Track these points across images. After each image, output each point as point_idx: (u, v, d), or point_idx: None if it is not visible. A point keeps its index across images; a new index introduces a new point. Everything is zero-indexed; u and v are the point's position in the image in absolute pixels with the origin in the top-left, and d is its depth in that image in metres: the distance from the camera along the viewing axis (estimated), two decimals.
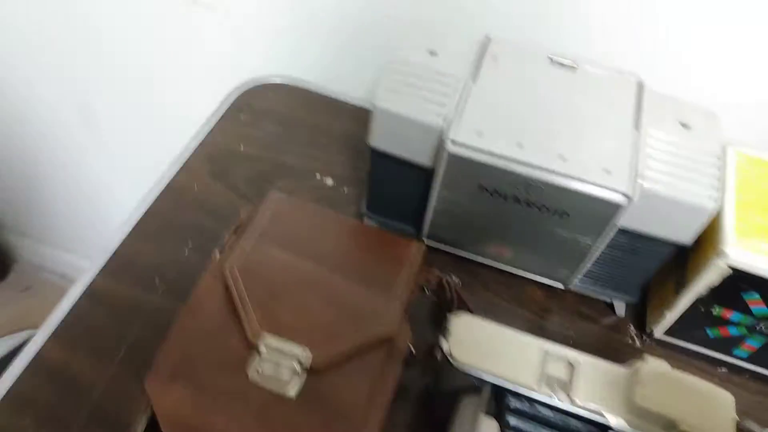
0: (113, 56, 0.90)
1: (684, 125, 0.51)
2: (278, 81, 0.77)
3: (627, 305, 0.61)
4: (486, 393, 0.46)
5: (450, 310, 0.57)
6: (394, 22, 0.71)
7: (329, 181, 0.68)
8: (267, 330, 0.46)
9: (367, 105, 0.77)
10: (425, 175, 0.53)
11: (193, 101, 0.83)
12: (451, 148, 0.48)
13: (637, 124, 0.50)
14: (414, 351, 0.51)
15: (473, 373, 0.46)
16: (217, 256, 0.53)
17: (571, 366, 0.46)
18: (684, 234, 0.50)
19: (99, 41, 0.89)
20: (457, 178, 0.50)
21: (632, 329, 0.61)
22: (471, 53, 0.54)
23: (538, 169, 0.47)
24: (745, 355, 0.56)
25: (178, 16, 0.80)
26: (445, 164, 0.49)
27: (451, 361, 0.46)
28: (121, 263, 0.59)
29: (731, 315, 0.53)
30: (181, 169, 0.66)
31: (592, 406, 0.44)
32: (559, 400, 0.45)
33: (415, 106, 0.50)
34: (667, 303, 0.56)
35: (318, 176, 0.68)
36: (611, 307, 0.62)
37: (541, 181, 0.47)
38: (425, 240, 0.60)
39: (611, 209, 0.47)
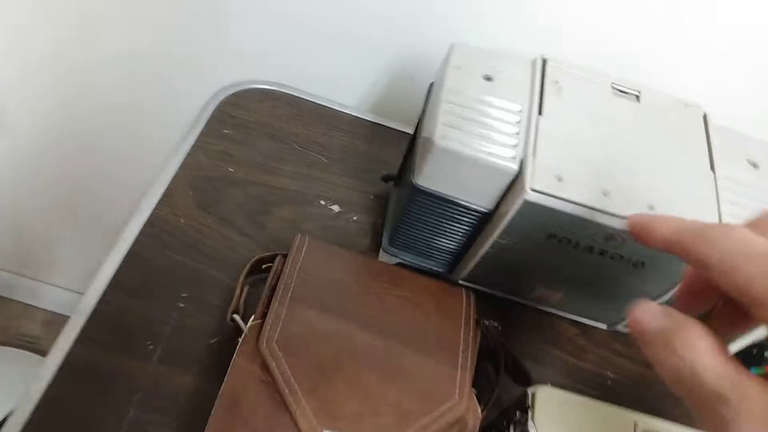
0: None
1: (752, 164, 0.48)
2: (264, 87, 0.66)
3: None
4: None
5: (493, 362, 0.51)
6: (388, 23, 0.63)
7: (335, 208, 0.60)
8: (325, 424, 0.38)
9: (364, 116, 0.68)
10: (478, 217, 0.47)
11: (167, 113, 0.71)
12: (530, 196, 0.41)
13: (712, 164, 0.46)
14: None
15: None
16: (239, 323, 0.44)
17: None
18: None
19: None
20: (526, 226, 0.44)
21: None
22: (529, 79, 0.47)
23: (625, 221, 0.42)
24: None
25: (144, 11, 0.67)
26: (515, 212, 0.43)
27: None
28: (103, 325, 0.47)
29: None
30: (162, 199, 0.55)
31: None
32: None
33: (481, 146, 0.43)
34: None
35: (322, 202, 0.60)
36: None
37: (626, 232, 0.42)
38: (459, 282, 0.54)
39: None
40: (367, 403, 0.39)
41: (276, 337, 0.41)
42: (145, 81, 0.71)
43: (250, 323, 0.41)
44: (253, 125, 0.63)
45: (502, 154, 0.43)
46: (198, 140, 0.60)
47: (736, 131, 0.50)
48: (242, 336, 0.41)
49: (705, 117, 0.49)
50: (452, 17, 0.61)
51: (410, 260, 0.54)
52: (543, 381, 0.54)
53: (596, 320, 0.55)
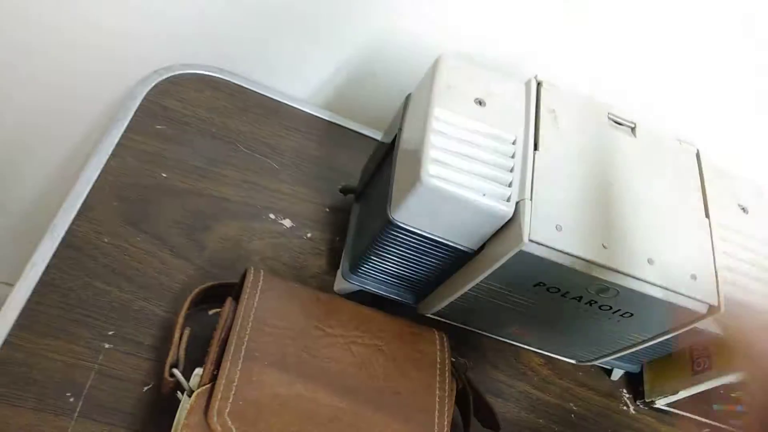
0: None
1: (743, 208, 0.45)
2: (199, 72, 0.57)
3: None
4: None
5: (464, 404, 0.47)
6: (352, 8, 0.55)
7: (287, 223, 0.53)
8: None
9: (319, 113, 0.61)
10: (460, 257, 0.42)
11: (84, 105, 0.59)
12: (528, 246, 0.37)
13: (706, 210, 0.43)
14: None
15: None
16: (180, 380, 0.37)
17: None
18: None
19: None
20: (515, 272, 0.40)
21: (625, 394, 0.57)
22: (523, 105, 0.42)
23: (624, 276, 0.38)
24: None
25: None
26: (508, 259, 0.38)
27: None
28: (11, 376, 0.39)
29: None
30: (81, 213, 0.46)
31: None
32: None
33: (474, 186, 0.37)
34: (678, 380, 0.53)
35: (272, 216, 0.53)
36: (606, 371, 0.57)
37: (622, 287, 0.38)
38: (430, 315, 0.49)
39: (691, 317, 0.41)
40: None
41: (228, 408, 0.34)
42: (56, 68, 0.58)
43: (197, 391, 0.35)
44: (190, 119, 0.54)
45: (496, 195, 0.37)
46: (123, 138, 0.50)
47: (726, 171, 0.47)
48: (187, 406, 0.34)
49: (698, 155, 0.46)
50: (424, 12, 0.55)
51: (375, 289, 0.48)
52: (507, 417, 0.52)
53: (569, 357, 0.52)
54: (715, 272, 0.41)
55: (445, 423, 0.39)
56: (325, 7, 0.55)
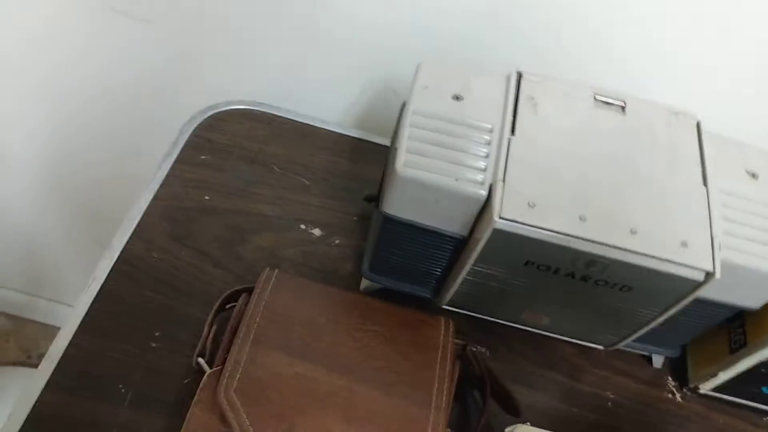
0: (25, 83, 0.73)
1: (751, 174, 0.44)
2: (242, 108, 0.65)
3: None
4: None
5: (480, 389, 0.49)
6: (371, 35, 0.61)
7: (317, 232, 0.58)
8: None
9: (347, 132, 0.66)
10: (454, 243, 0.44)
11: (139, 142, 0.69)
12: (499, 224, 0.39)
13: (704, 177, 0.43)
14: None
15: None
16: (203, 367, 0.42)
17: None
18: (755, 300, 0.44)
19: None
20: (501, 253, 0.41)
21: (671, 382, 0.55)
22: (502, 95, 0.44)
23: (606, 247, 0.39)
24: None
25: (109, 32, 0.65)
26: (487, 239, 0.40)
27: None
28: (73, 370, 0.46)
29: None
30: (134, 234, 0.54)
31: None
32: None
33: (448, 171, 0.40)
34: (718, 362, 0.50)
35: (303, 227, 0.58)
36: (647, 357, 0.55)
37: (608, 258, 0.39)
38: (444, 306, 0.51)
39: (689, 286, 0.40)
40: None
41: (234, 385, 0.39)
42: (123, 113, 0.69)
43: (208, 371, 0.40)
44: (231, 149, 0.61)
45: (470, 180, 0.40)
46: (173, 168, 0.58)
47: (734, 139, 0.46)
48: (200, 385, 0.39)
49: (698, 126, 0.46)
50: (435, 30, 0.58)
51: (393, 285, 0.52)
52: (537, 407, 0.52)
53: (591, 342, 0.52)
54: (711, 238, 0.40)
55: (444, 401, 0.41)
56: (343, 41, 0.61)
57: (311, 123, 0.65)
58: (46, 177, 0.85)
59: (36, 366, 0.46)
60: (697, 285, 0.40)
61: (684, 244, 0.39)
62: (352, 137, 0.65)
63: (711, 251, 0.39)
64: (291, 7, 0.59)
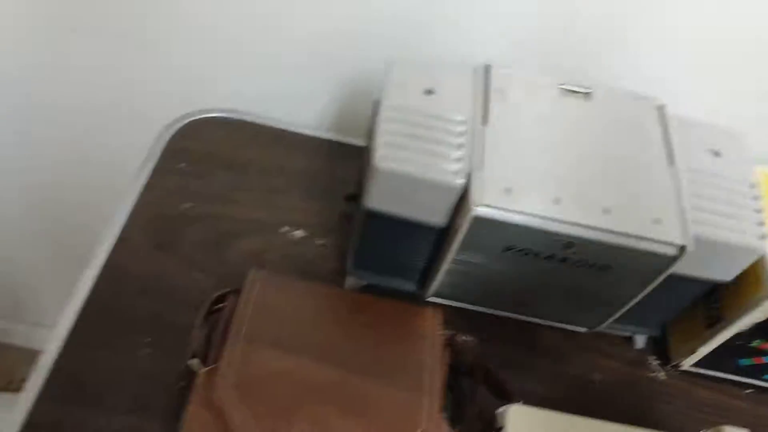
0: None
1: (715, 153, 0.46)
2: (213, 115, 0.65)
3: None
4: None
5: (470, 376, 0.50)
6: (341, 36, 0.62)
7: (299, 233, 0.58)
8: None
9: (322, 134, 0.67)
10: (435, 234, 0.45)
11: (116, 152, 0.69)
12: (477, 211, 0.40)
13: (670, 158, 0.44)
14: None
15: None
16: (196, 368, 0.42)
17: None
18: (726, 273, 0.45)
19: None
20: (481, 240, 0.43)
21: (654, 361, 0.57)
22: (471, 88, 0.45)
23: (582, 227, 0.40)
24: None
25: (75, 50, 0.65)
26: (467, 227, 0.41)
27: None
28: (64, 381, 0.46)
29: None
30: (117, 243, 0.54)
31: None
32: None
33: (425, 163, 0.41)
34: (696, 337, 0.52)
35: (285, 229, 0.58)
36: (629, 339, 0.57)
37: (584, 239, 0.40)
38: (430, 298, 0.52)
39: (664, 262, 0.42)
40: None
41: (230, 383, 0.39)
42: (96, 129, 0.69)
43: (202, 371, 0.40)
44: (208, 156, 0.62)
45: (447, 170, 0.41)
46: (151, 178, 0.58)
47: (696, 120, 0.48)
48: (196, 383, 0.40)
49: (662, 109, 0.47)
50: (404, 28, 0.60)
51: (378, 281, 0.53)
52: (527, 391, 0.53)
53: (575, 324, 0.53)
54: (682, 214, 0.42)
55: (435, 386, 0.42)
56: (315, 45, 0.62)
57: (286, 128, 0.66)
58: (19, 198, 0.85)
59: (18, 391, 0.46)
60: (672, 260, 0.41)
61: (657, 221, 0.41)
62: (329, 140, 0.66)
63: (683, 226, 0.41)
64: (255, 9, 0.60)
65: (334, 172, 0.64)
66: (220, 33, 0.63)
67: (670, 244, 0.40)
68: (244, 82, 0.66)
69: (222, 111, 0.65)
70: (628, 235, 0.40)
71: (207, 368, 0.40)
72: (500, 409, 0.40)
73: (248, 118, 0.66)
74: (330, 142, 0.66)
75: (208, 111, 0.65)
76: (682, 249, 0.41)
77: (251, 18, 0.61)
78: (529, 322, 0.55)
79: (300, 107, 0.67)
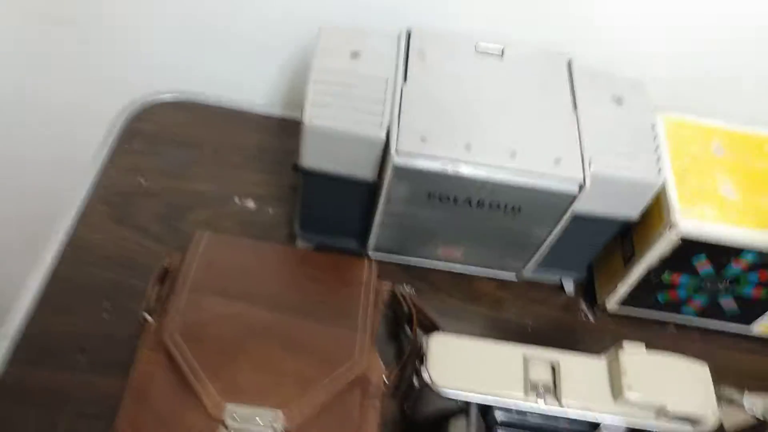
0: None
1: (617, 99, 0.50)
2: (168, 98, 0.69)
3: (575, 282, 0.61)
4: (473, 413, 0.44)
5: (410, 323, 0.54)
6: (287, 17, 0.65)
7: (250, 204, 0.62)
8: (229, 399, 0.41)
9: (274, 111, 0.71)
10: (367, 188, 0.49)
11: (74, 136, 0.73)
12: (396, 159, 0.44)
13: (574, 104, 0.49)
14: (387, 381, 0.47)
15: (457, 396, 0.43)
16: (149, 320, 0.46)
17: (553, 368, 0.44)
18: (632, 210, 0.50)
19: None
20: (404, 189, 0.47)
21: (584, 305, 0.61)
22: (394, 51, 0.50)
23: (490, 168, 0.44)
24: (692, 312, 0.58)
25: (31, 37, 0.69)
26: (390, 176, 0.46)
27: (432, 387, 0.43)
28: (31, 345, 0.49)
29: (680, 278, 0.54)
30: (78, 219, 0.57)
31: (581, 404, 0.43)
32: (547, 405, 0.43)
33: (350, 119, 0.45)
34: (616, 276, 0.56)
35: (237, 200, 0.62)
36: (560, 287, 0.61)
37: (493, 181, 0.45)
38: (371, 253, 0.56)
39: (566, 199, 0.46)
40: (269, 376, 0.42)
41: (177, 328, 0.43)
42: (48, 117, 0.73)
43: (151, 319, 0.44)
44: (163, 136, 0.65)
45: (369, 123, 0.45)
46: (108, 158, 0.62)
47: (604, 72, 0.52)
48: (145, 329, 0.43)
49: (569, 63, 0.52)
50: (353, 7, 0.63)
51: (324, 240, 0.57)
52: (463, 334, 0.57)
53: (504, 270, 0.57)
54: (581, 155, 0.46)
55: (368, 324, 0.46)
56: (260, 25, 0.65)
57: (237, 107, 0.70)
58: None
59: None
60: (573, 197, 0.46)
61: (557, 161, 0.45)
62: (279, 117, 0.70)
63: (581, 165, 0.46)
64: None
65: (285, 146, 0.68)
66: (172, 17, 0.67)
67: (570, 179, 0.45)
68: (196, 63, 0.70)
69: (174, 92, 0.69)
70: (531, 173, 0.44)
71: (156, 316, 0.44)
72: (423, 337, 0.44)
73: (200, 99, 0.69)
74: (281, 119, 0.70)
75: (160, 93, 0.69)
76: (581, 186, 0.45)
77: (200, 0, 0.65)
78: (463, 275, 0.59)
79: (251, 86, 0.71)
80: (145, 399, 0.40)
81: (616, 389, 0.43)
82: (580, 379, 0.44)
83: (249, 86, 0.71)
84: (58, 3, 0.66)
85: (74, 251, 0.55)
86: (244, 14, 0.65)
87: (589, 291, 0.62)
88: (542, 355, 0.45)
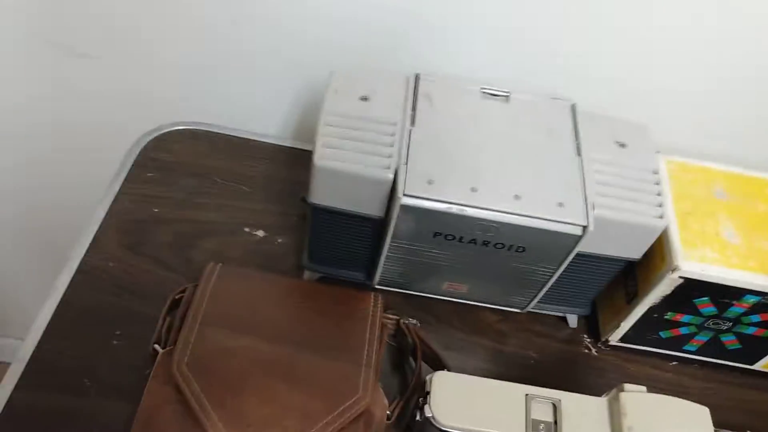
0: None
1: (620, 144, 0.52)
2: (181, 128, 0.70)
3: (578, 316, 0.62)
4: None
5: (414, 355, 0.55)
6: (296, 48, 0.67)
7: (260, 233, 0.63)
8: (235, 431, 0.41)
9: (283, 143, 0.72)
10: (374, 224, 0.51)
11: (89, 166, 0.75)
12: (404, 200, 0.45)
13: (578, 149, 0.50)
14: (390, 415, 0.48)
15: None
16: (158, 350, 0.47)
17: (554, 406, 0.45)
18: (635, 251, 0.51)
19: None
20: (411, 227, 0.48)
21: (586, 339, 0.62)
22: (403, 95, 0.51)
23: (494, 212, 0.46)
24: (694, 349, 0.59)
25: (51, 69, 0.71)
26: (397, 216, 0.47)
27: (435, 424, 0.44)
28: (41, 369, 0.51)
29: (683, 317, 0.55)
30: (91, 246, 0.59)
31: None
32: None
33: (359, 160, 0.46)
34: (620, 313, 0.57)
35: (246, 229, 0.63)
36: (563, 319, 0.62)
37: (497, 222, 0.46)
38: (377, 286, 0.57)
39: (569, 241, 0.47)
40: (274, 409, 0.43)
41: (186, 360, 0.44)
42: (67, 145, 0.75)
43: (162, 351, 0.45)
44: (175, 165, 0.67)
45: (378, 165, 0.46)
46: (122, 187, 0.64)
47: (606, 116, 0.54)
48: (155, 362, 0.44)
49: (573, 107, 0.53)
50: (366, 37, 0.65)
51: (330, 272, 0.58)
52: (466, 368, 0.58)
53: (507, 305, 0.58)
54: (585, 198, 0.47)
55: (373, 360, 0.47)
56: (272, 58, 0.67)
57: (249, 137, 0.71)
58: None
59: None
60: (577, 239, 0.47)
61: (561, 205, 0.46)
62: (289, 147, 0.72)
63: (585, 209, 0.47)
64: (212, 26, 0.65)
65: (294, 176, 0.69)
66: (178, 51, 0.68)
67: (573, 224, 0.46)
68: (209, 96, 0.72)
69: (187, 124, 0.71)
70: (534, 217, 0.46)
71: (166, 348, 0.45)
72: (428, 376, 0.45)
73: (213, 130, 0.71)
74: (291, 149, 0.72)
75: (175, 124, 0.70)
76: (584, 229, 0.46)
77: (202, 33, 0.66)
78: (467, 305, 0.60)
79: (263, 117, 0.73)
80: (152, 428, 0.41)
81: (617, 430, 0.44)
82: (581, 420, 0.45)
83: (262, 119, 0.73)
84: (83, 37, 0.68)
85: (86, 277, 0.57)
86: (262, 54, 0.67)
87: (592, 324, 0.63)
88: (544, 394, 0.45)
